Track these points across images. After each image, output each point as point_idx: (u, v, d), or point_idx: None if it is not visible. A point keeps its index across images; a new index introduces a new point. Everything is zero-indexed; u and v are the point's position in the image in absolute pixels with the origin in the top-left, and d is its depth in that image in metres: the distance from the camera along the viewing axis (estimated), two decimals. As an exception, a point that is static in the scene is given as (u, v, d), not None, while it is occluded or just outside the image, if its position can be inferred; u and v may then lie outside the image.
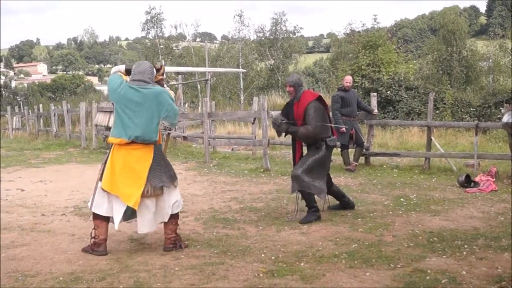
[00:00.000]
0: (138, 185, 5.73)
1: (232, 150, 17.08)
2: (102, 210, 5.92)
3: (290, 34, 50.48)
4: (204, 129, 14.87)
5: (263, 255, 5.71)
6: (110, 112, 18.81)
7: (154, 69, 6.16)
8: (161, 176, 5.86)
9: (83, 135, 19.95)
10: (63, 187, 10.67)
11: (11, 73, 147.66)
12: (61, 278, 5.07)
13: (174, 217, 6.01)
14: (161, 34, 52.71)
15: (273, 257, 5.60)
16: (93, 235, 5.97)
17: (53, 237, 6.63)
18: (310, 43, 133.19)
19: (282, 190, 9.54)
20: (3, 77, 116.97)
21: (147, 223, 5.91)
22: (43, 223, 7.39)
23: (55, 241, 6.46)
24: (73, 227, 7.17)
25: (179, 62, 50.37)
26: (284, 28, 49.73)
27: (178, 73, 42.16)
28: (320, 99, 7.40)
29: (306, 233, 6.57)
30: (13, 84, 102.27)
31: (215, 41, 79.66)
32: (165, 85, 6.40)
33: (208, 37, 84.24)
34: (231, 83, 45.60)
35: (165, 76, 6.67)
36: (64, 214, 8.02)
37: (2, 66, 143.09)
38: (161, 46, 51.46)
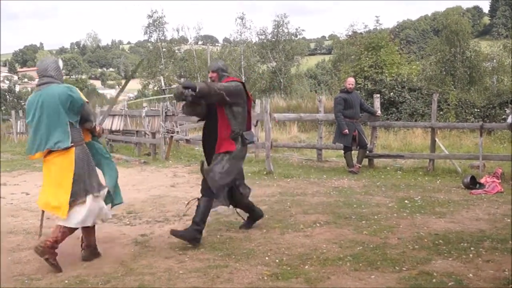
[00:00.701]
0: (65, 196, 5.39)
1: (235, 152, 17.01)
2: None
3: (292, 36, 50.55)
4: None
5: (267, 258, 5.69)
6: (114, 115, 18.86)
7: (61, 63, 5.80)
8: (85, 183, 5.49)
9: (87, 138, 19.92)
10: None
11: (15, 77, 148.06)
12: (66, 281, 5.08)
13: (65, 226, 5.58)
14: (163, 37, 52.93)
15: (277, 260, 5.58)
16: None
17: (58, 241, 6.62)
18: (312, 45, 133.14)
19: (285, 193, 9.52)
20: (7, 82, 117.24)
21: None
22: (48, 227, 7.30)
23: (60, 244, 6.44)
24: (78, 230, 7.14)
25: (182, 65, 50.52)
26: (286, 30, 49.82)
27: (181, 76, 42.33)
28: (244, 85, 6.60)
29: (310, 236, 6.55)
30: (17, 88, 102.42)
31: (217, 44, 79.76)
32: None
33: (210, 40, 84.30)
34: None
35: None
36: (68, 217, 8.01)
37: (5, 71, 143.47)
38: (164, 50, 51.65)
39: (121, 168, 14.17)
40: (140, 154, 17.12)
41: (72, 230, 5.62)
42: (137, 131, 18.19)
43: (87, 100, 5.64)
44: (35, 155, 5.47)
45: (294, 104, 28.41)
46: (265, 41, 50.22)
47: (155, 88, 49.51)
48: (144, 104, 20.89)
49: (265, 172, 12.02)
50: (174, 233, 6.25)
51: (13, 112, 32.05)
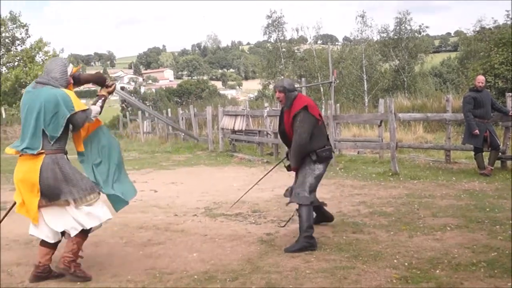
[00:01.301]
0: (33, 199, 5.10)
1: (358, 153, 16.92)
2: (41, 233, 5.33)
3: (415, 34, 49.42)
4: (330, 132, 14.83)
5: (395, 260, 5.58)
6: (236, 115, 19.24)
7: (70, 68, 5.40)
8: (58, 188, 5.11)
9: (210, 138, 20.53)
10: (194, 188, 11.02)
11: (140, 79, 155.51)
12: (195, 277, 5.24)
13: (76, 236, 5.26)
14: (282, 37, 53.54)
15: (406, 263, 5.47)
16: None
17: (186, 237, 6.86)
18: (436, 42, 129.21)
19: (412, 195, 9.31)
20: (132, 83, 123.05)
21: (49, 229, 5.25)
22: (176, 223, 7.68)
23: (188, 240, 6.68)
24: (205, 227, 7.39)
25: (301, 65, 50.83)
26: (408, 28, 48.82)
27: (301, 76, 42.58)
28: (308, 108, 6.48)
29: (440, 240, 6.35)
30: (142, 89, 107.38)
31: (336, 43, 79.43)
32: (100, 103, 5.57)
33: (329, 39, 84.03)
34: (355, 85, 45.35)
35: (110, 96, 5.81)
36: (195, 214, 8.29)
37: (131, 73, 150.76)
38: (283, 50, 52.22)
39: (244, 167, 14.50)
40: (262, 153, 17.37)
41: (84, 235, 5.36)
42: (259, 131, 18.46)
43: (85, 108, 5.24)
44: (11, 150, 5.22)
45: (419, 104, 27.70)
46: (386, 39, 49.49)
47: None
48: (266, 104, 21.16)
49: (390, 173, 11.83)
50: (288, 250, 6.14)
51: (139, 112, 33.53)
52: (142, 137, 29.74)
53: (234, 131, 19.33)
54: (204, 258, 5.90)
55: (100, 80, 5.78)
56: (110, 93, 5.70)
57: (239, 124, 18.89)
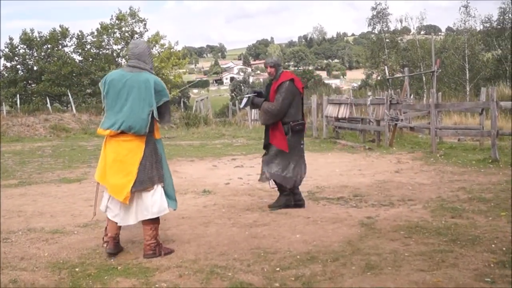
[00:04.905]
0: (128, 178, 5.20)
1: (458, 140, 16.42)
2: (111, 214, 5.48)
3: (519, 23, 47.04)
4: (431, 120, 14.48)
5: (493, 245, 5.38)
6: (340, 104, 19.14)
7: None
8: (150, 171, 5.26)
9: (314, 125, 20.53)
10: (297, 173, 11.05)
11: (249, 69, 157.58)
12: (298, 257, 5.26)
13: (152, 222, 5.37)
14: (386, 28, 53.27)
15: (504, 248, 5.25)
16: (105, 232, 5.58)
17: (290, 219, 6.91)
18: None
19: (512, 182, 8.92)
20: (242, 74, 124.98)
21: (130, 217, 5.38)
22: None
23: (291, 222, 6.73)
24: (307, 210, 7.40)
25: (404, 55, 50.23)
26: (512, 17, 46.57)
27: (404, 66, 41.77)
28: (294, 81, 7.29)
29: (541, 226, 6.07)
30: (251, 79, 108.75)
31: (439, 33, 77.21)
32: None
33: (432, 29, 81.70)
34: (457, 75, 44.09)
35: None
36: (299, 198, 8.33)
37: (240, 64, 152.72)
38: (387, 40, 51.78)
39: (347, 153, 14.43)
40: (364, 140, 17.20)
41: (158, 220, 5.47)
42: (362, 119, 18.27)
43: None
44: (106, 131, 5.25)
45: (521, 92, 26.38)
46: (490, 28, 47.47)
47: (378, 78, 49.57)
48: (369, 93, 20.92)
49: (490, 160, 11.40)
50: (271, 206, 7.56)
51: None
52: (250, 124, 30.11)
53: (337, 119, 19.25)
54: (306, 239, 5.91)
55: None
56: None
57: (343, 112, 18.78)
